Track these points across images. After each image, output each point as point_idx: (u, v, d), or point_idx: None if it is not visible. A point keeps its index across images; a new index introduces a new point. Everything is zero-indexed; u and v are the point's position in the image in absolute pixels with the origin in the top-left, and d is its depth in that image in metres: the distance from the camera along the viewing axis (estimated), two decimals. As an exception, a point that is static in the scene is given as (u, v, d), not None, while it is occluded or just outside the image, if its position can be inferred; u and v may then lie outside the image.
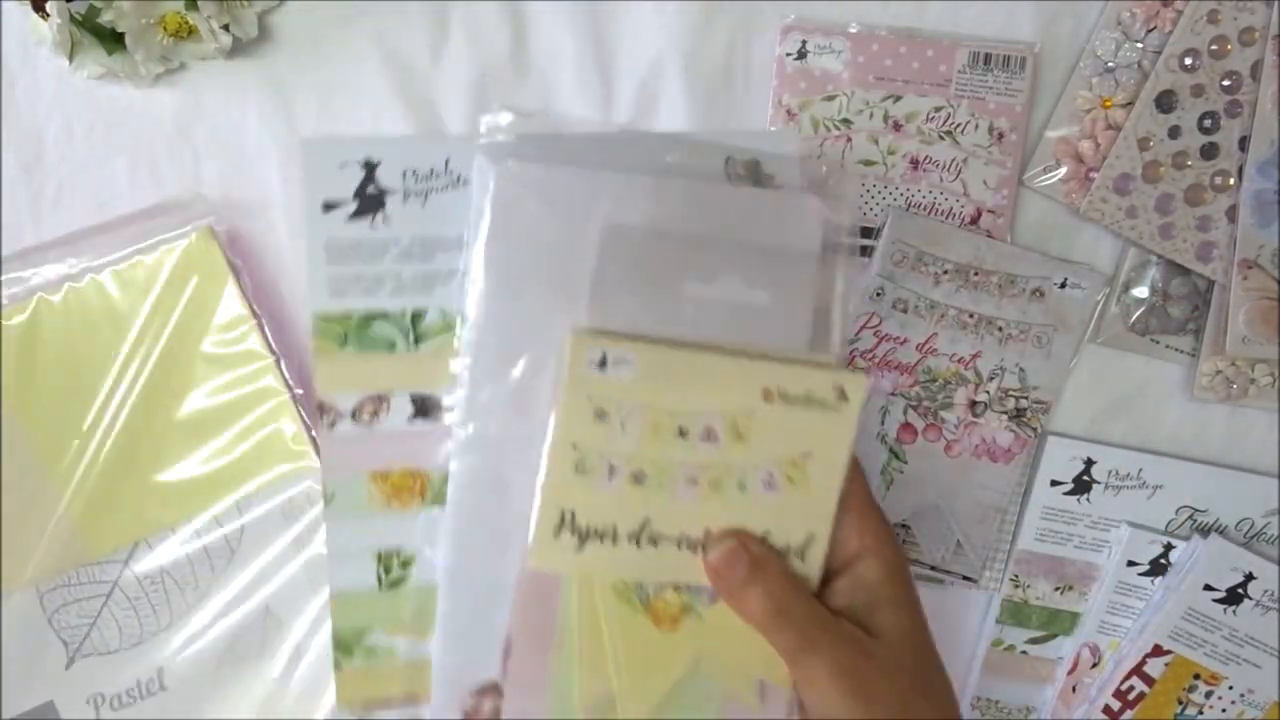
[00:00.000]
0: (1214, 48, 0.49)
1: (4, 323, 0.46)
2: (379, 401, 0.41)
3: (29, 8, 0.47)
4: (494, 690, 0.41)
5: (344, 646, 0.41)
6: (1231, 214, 0.50)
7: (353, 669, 0.41)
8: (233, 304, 0.46)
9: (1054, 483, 0.52)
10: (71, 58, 0.48)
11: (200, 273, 0.46)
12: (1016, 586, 0.53)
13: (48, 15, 0.46)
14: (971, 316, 0.50)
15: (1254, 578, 0.51)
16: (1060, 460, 0.52)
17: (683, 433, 0.39)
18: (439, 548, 0.41)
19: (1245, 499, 0.52)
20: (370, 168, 0.40)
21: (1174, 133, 0.49)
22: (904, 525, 0.52)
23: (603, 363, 0.38)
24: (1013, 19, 0.49)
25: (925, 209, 0.50)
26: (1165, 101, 0.49)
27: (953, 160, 0.49)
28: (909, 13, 0.49)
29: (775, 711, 0.40)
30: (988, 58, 0.49)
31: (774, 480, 0.40)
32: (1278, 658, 0.52)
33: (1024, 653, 0.54)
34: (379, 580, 0.41)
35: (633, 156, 0.42)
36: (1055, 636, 0.54)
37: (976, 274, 0.50)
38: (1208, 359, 0.51)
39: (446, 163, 0.40)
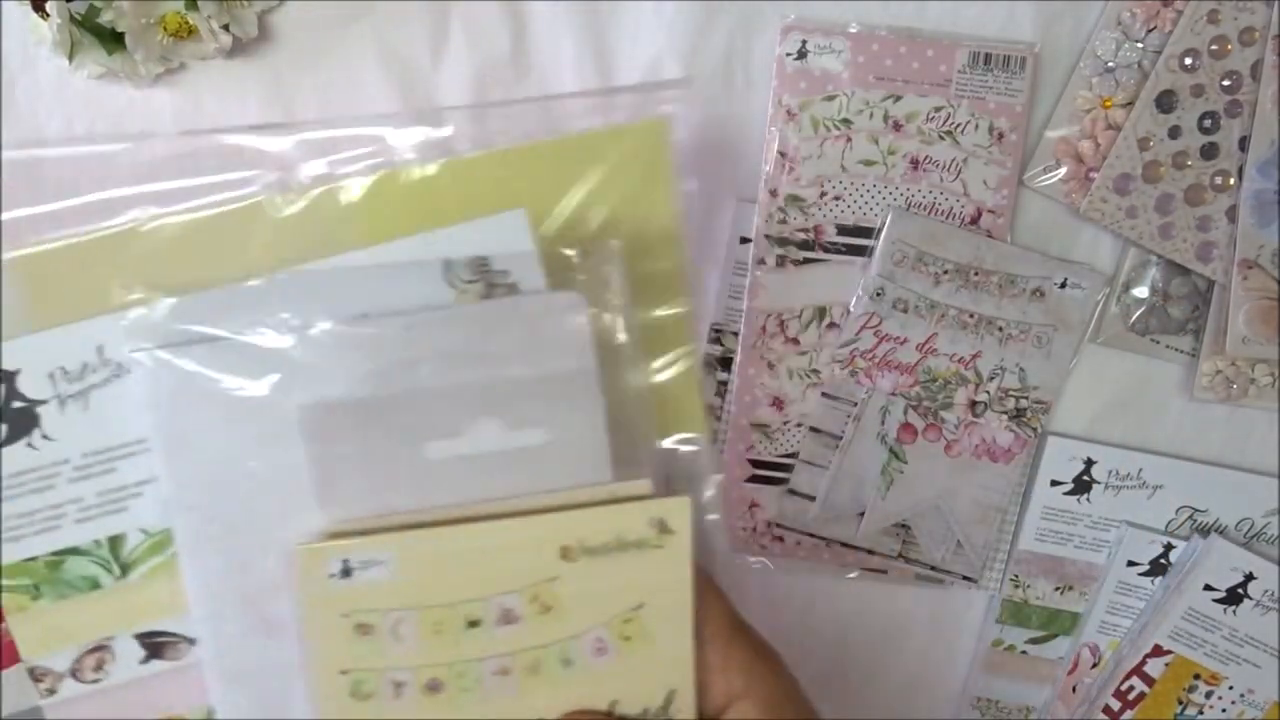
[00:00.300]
0: (1214, 48, 0.49)
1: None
2: (101, 652, 0.34)
3: (29, 8, 0.47)
4: None
5: None
6: (1231, 214, 0.50)
7: None
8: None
9: (1054, 483, 0.52)
10: (71, 58, 0.47)
11: None
12: (1016, 586, 0.53)
13: (47, 15, 0.46)
14: (971, 316, 0.50)
15: (1254, 578, 0.51)
16: (1060, 460, 0.52)
17: (474, 623, 0.33)
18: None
19: (1245, 499, 0.52)
20: (7, 378, 0.33)
21: (1174, 133, 0.49)
22: (904, 525, 0.52)
23: (346, 571, 0.32)
24: (1013, 19, 0.49)
25: (925, 209, 0.50)
26: (1165, 101, 0.49)
27: (953, 160, 0.49)
28: (909, 13, 0.49)
29: None
30: (988, 58, 0.49)
31: (605, 644, 0.34)
32: (1278, 658, 0.52)
33: (1024, 653, 0.54)
34: None
35: (326, 300, 0.33)
36: (1055, 636, 0.54)
37: (976, 274, 0.50)
38: (1208, 359, 0.51)
39: (100, 351, 0.34)
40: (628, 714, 0.35)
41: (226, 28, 0.47)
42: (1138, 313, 0.51)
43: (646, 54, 0.49)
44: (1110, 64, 0.49)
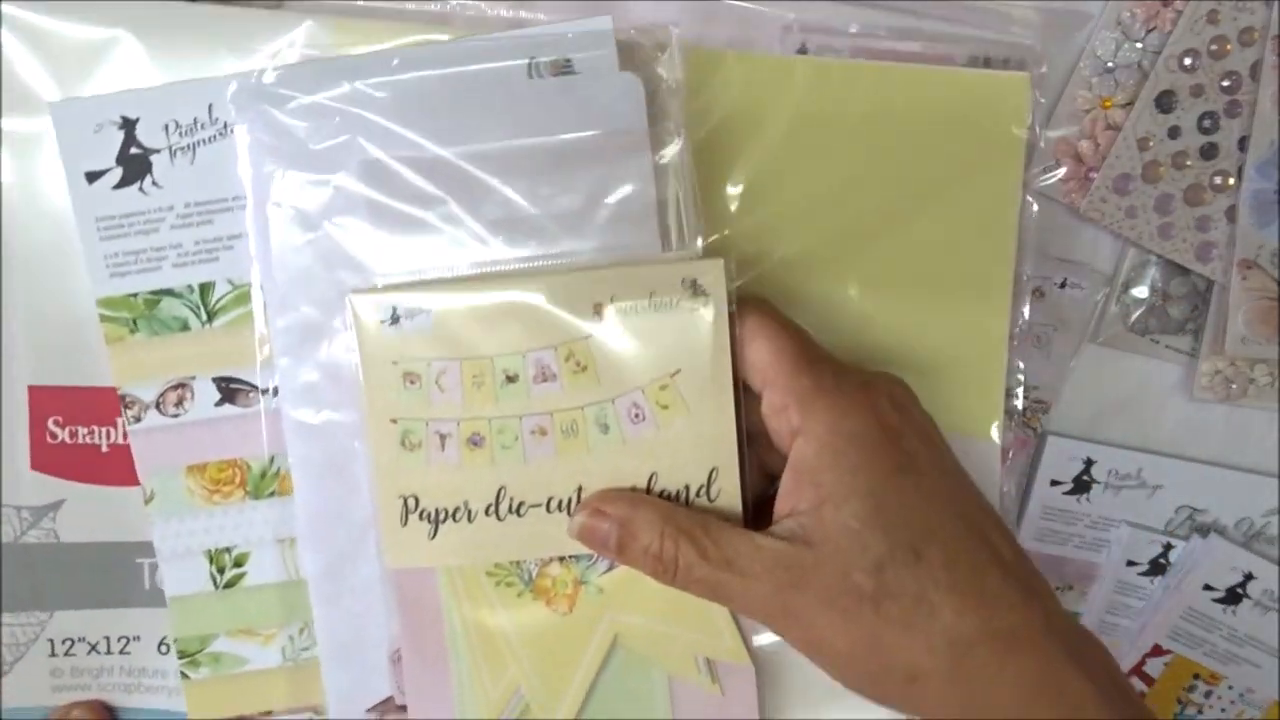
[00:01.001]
0: (1214, 48, 0.49)
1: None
2: (181, 389, 0.37)
3: (28, 8, 0.46)
4: (391, 706, 0.37)
5: (188, 656, 0.38)
6: (1231, 214, 0.50)
7: (200, 680, 0.38)
8: None
9: (1054, 482, 0.52)
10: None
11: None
12: (1016, 586, 0.53)
13: (47, 15, 0.46)
14: (971, 317, 0.50)
15: (1254, 577, 0.51)
16: (1060, 460, 0.52)
17: (511, 378, 0.33)
18: (301, 556, 0.37)
19: (1245, 499, 0.52)
20: (129, 126, 0.36)
21: (1174, 133, 0.49)
22: (904, 525, 0.52)
23: (395, 319, 0.33)
24: (1013, 19, 0.49)
25: (925, 209, 0.50)
26: (1165, 101, 0.49)
27: (953, 160, 0.49)
28: (909, 13, 0.49)
29: (739, 690, 0.35)
30: (987, 58, 0.49)
31: (642, 410, 0.33)
32: (1278, 658, 0.52)
33: (1024, 652, 0.54)
34: (214, 581, 0.38)
35: (420, 70, 0.35)
36: None
37: (976, 274, 0.50)
38: (1207, 359, 0.51)
39: (210, 109, 0.36)
40: (667, 489, 0.33)
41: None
42: (1137, 313, 0.51)
43: (646, 54, 0.49)
44: (1110, 64, 0.49)
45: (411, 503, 0.34)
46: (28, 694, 0.39)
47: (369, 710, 0.37)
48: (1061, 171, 0.50)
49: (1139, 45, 0.49)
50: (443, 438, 0.34)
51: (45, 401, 0.37)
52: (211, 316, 0.37)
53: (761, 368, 0.32)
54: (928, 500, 0.31)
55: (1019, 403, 0.51)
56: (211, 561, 0.38)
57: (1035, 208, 0.50)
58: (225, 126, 0.36)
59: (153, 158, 0.36)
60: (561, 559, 0.35)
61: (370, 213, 0.35)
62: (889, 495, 0.31)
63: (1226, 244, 0.50)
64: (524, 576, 0.35)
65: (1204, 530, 0.52)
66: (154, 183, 0.36)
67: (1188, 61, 0.49)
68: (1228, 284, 0.50)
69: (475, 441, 0.34)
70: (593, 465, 0.34)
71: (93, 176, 0.35)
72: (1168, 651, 0.52)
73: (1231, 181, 0.49)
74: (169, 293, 0.36)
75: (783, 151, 0.38)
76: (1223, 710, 0.53)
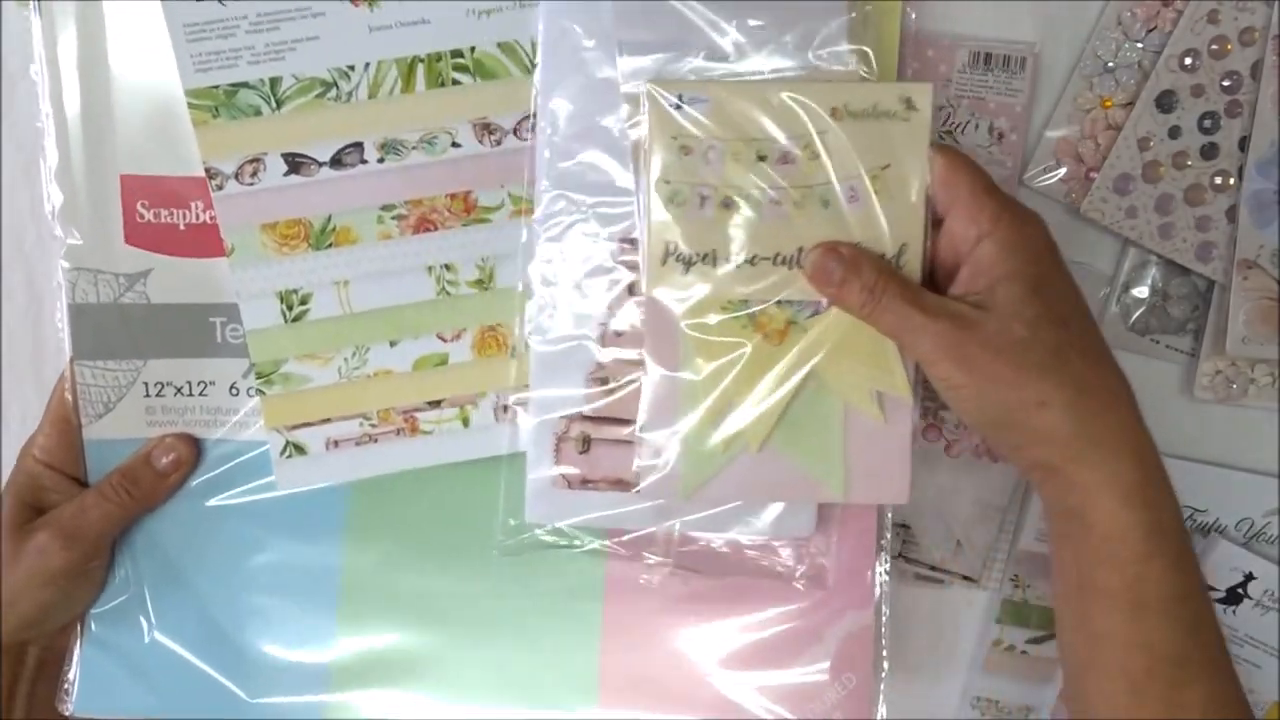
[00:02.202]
0: (1214, 48, 0.49)
1: None
2: (256, 163, 0.44)
3: (29, 8, 0.47)
4: (579, 418, 0.46)
5: (264, 377, 0.46)
6: (1231, 214, 0.50)
7: (274, 395, 0.46)
8: None
9: (1054, 483, 0.52)
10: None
11: None
12: (1016, 586, 0.53)
13: (48, 15, 0.46)
14: (971, 316, 0.50)
15: (1254, 578, 0.51)
16: (1060, 460, 0.52)
17: (761, 157, 0.43)
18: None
19: (1245, 499, 0.52)
20: None
21: (1174, 133, 0.49)
22: (904, 525, 0.52)
23: (678, 104, 0.43)
24: (1013, 19, 0.49)
25: (925, 209, 0.50)
26: (1165, 101, 0.49)
27: (953, 160, 0.49)
28: (908, 13, 0.49)
29: (899, 421, 0.44)
30: (988, 58, 0.49)
31: (857, 193, 0.42)
32: (1278, 658, 0.52)
33: (1024, 653, 0.54)
34: (284, 316, 0.46)
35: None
36: (1055, 636, 0.54)
37: (976, 274, 0.50)
38: (1208, 359, 0.51)
39: None
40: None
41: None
42: (1138, 313, 0.51)
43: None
44: (1110, 64, 0.49)
45: (672, 247, 0.43)
46: (128, 427, 0.47)
47: (561, 418, 0.46)
48: (1062, 171, 0.50)
49: (1139, 45, 0.49)
50: (702, 198, 0.43)
51: (134, 188, 0.45)
52: (280, 104, 0.44)
53: (956, 186, 0.41)
54: (1075, 293, 0.41)
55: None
56: (281, 300, 0.46)
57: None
58: None
59: None
60: (779, 302, 0.43)
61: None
62: (1050, 282, 0.40)
63: (1227, 244, 0.50)
64: (748, 312, 0.44)
65: (1205, 530, 0.52)
66: None
67: (1188, 61, 0.49)
68: (1228, 284, 0.50)
69: (726, 204, 0.43)
70: (814, 231, 0.43)
71: None
72: (1168, 652, 0.52)
73: (1232, 181, 0.49)
74: (244, 85, 0.44)
75: None
76: (1223, 710, 0.52)
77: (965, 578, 0.52)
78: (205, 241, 0.46)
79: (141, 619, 0.48)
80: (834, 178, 0.42)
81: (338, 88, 0.44)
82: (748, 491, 0.45)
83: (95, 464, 0.47)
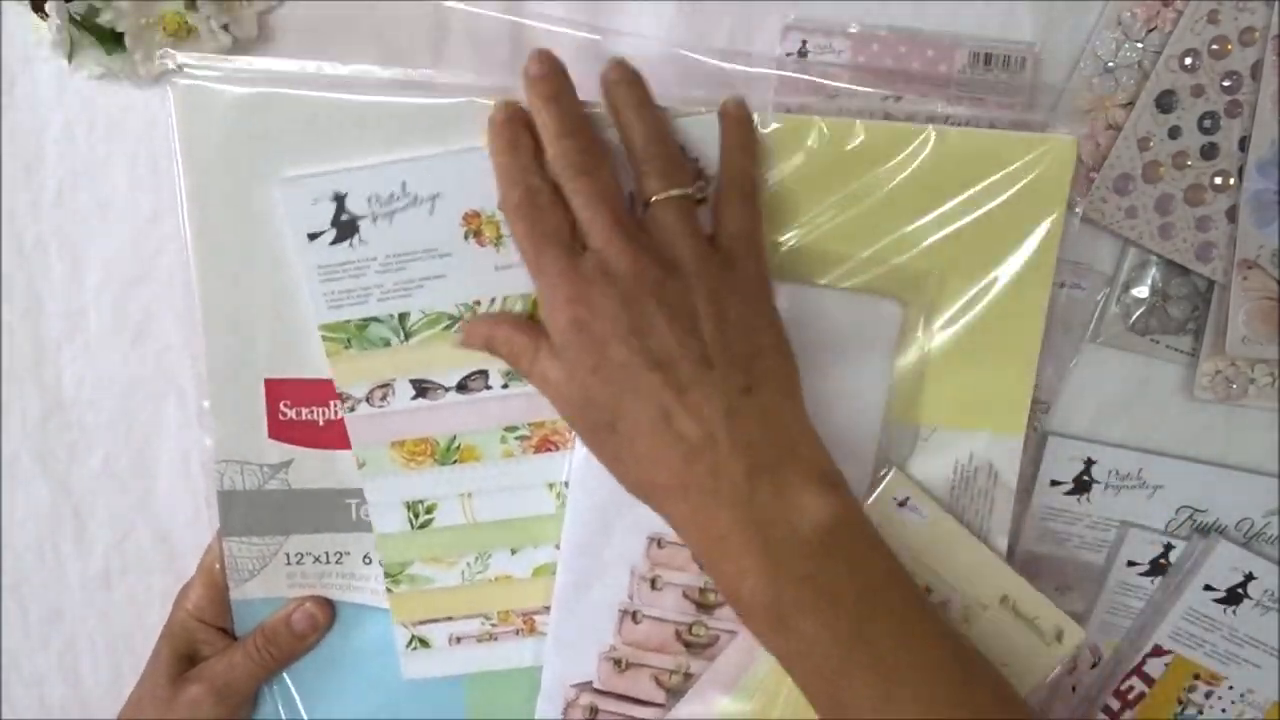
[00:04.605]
0: (1214, 48, 0.49)
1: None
2: (385, 388, 0.48)
3: (28, 7, 0.47)
4: (589, 689, 0.49)
5: (392, 576, 0.50)
6: (1231, 214, 0.50)
7: (400, 593, 0.50)
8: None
9: (1054, 483, 0.52)
10: (71, 58, 0.48)
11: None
12: (1016, 586, 0.53)
13: (47, 15, 0.46)
14: (971, 316, 0.50)
15: (1254, 578, 0.51)
16: (1060, 460, 0.52)
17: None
18: (559, 571, 0.49)
19: (1245, 499, 0.52)
20: (339, 199, 0.45)
21: (1174, 133, 0.49)
22: (904, 525, 0.52)
23: (904, 503, 0.46)
24: (1013, 19, 0.49)
25: (925, 209, 0.50)
26: (1165, 101, 0.49)
27: (953, 160, 0.49)
28: (909, 13, 0.49)
29: None
30: (988, 58, 0.49)
31: None
32: (1278, 658, 0.52)
33: (1024, 653, 0.54)
34: (410, 523, 0.49)
35: None
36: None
37: (976, 274, 0.50)
38: (1208, 359, 0.51)
39: (404, 185, 0.45)
40: None
41: (226, 28, 0.47)
42: (1138, 313, 0.51)
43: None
44: (1110, 64, 0.49)
45: None
46: (271, 589, 0.51)
47: (573, 685, 0.49)
48: (1062, 171, 0.50)
49: (1139, 45, 0.49)
50: None
51: (278, 390, 0.48)
52: (409, 336, 0.47)
53: None
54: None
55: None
56: (408, 509, 0.49)
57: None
58: (415, 198, 0.45)
59: (359, 221, 0.45)
60: None
61: None
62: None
63: (1227, 244, 0.50)
64: None
65: (1205, 530, 0.52)
66: (360, 240, 0.45)
67: (1188, 61, 0.49)
68: (1228, 284, 0.50)
69: None
70: None
71: (313, 236, 0.46)
72: (1168, 652, 0.52)
73: (1232, 181, 0.49)
74: (375, 319, 0.47)
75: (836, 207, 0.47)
76: (1223, 711, 0.52)
77: (965, 578, 0.52)
78: (342, 436, 0.49)
79: None
80: None
81: (464, 321, 0.46)
82: None
83: (242, 619, 0.51)
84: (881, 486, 0.46)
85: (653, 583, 0.48)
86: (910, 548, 0.45)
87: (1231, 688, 0.52)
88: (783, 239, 0.46)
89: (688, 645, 0.48)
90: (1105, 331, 0.51)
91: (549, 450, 0.48)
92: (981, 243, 0.46)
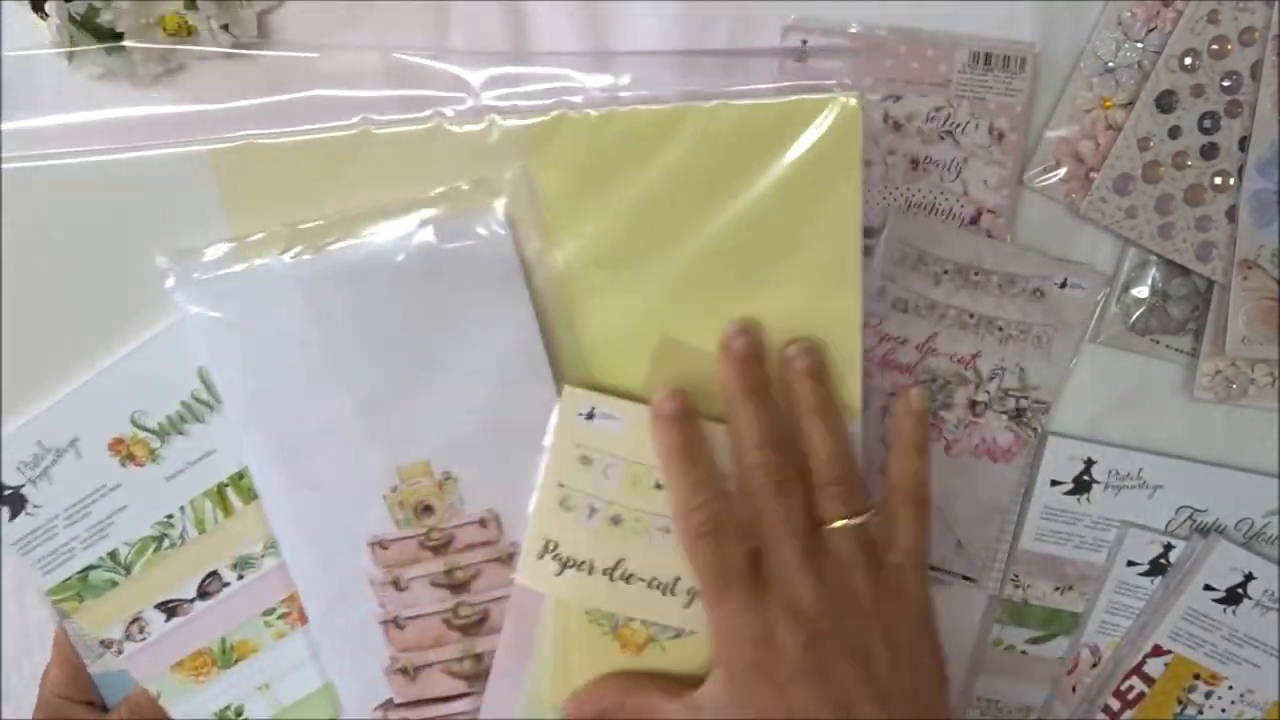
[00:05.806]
0: (1214, 48, 0.49)
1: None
2: (137, 621, 0.49)
3: (29, 7, 0.47)
4: (390, 705, 0.48)
5: None
6: (1231, 214, 0.50)
7: None
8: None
9: (1054, 482, 0.52)
10: (71, 58, 0.48)
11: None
12: (1016, 586, 0.53)
13: (47, 15, 0.46)
14: (971, 316, 0.50)
15: (1254, 578, 0.51)
16: (1060, 460, 0.52)
17: (659, 487, 0.43)
18: (305, 608, 0.48)
19: (1245, 499, 0.52)
20: None
21: (1174, 133, 0.49)
22: (904, 525, 0.52)
23: (590, 415, 0.43)
24: (1013, 19, 0.49)
25: (925, 209, 0.50)
26: (1165, 101, 0.49)
27: (953, 160, 0.49)
28: (909, 13, 0.49)
29: None
30: (988, 58, 0.49)
31: None
32: (1278, 658, 0.52)
33: (1024, 653, 0.54)
34: None
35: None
36: (1055, 636, 0.54)
37: (976, 274, 0.50)
38: (1208, 359, 0.51)
39: (39, 443, 0.46)
40: None
41: (226, 28, 0.47)
42: (1138, 313, 0.51)
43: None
44: (1110, 64, 0.49)
45: (551, 546, 0.44)
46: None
47: (375, 709, 0.48)
48: (1062, 171, 0.50)
49: (1139, 45, 0.49)
50: (592, 509, 0.44)
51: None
52: (128, 570, 0.48)
53: None
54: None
55: (1019, 403, 0.51)
56: (219, 717, 0.50)
57: (1034, 208, 0.50)
58: (56, 451, 0.46)
59: (22, 491, 0.47)
60: (645, 621, 0.45)
61: None
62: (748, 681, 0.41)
63: (1227, 244, 0.50)
64: (612, 622, 0.45)
65: (1205, 530, 0.52)
66: (35, 506, 0.47)
67: (1188, 61, 0.49)
68: (1228, 284, 0.50)
69: (615, 520, 0.44)
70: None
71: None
72: (1168, 652, 0.52)
73: (1232, 181, 0.49)
74: (91, 567, 0.48)
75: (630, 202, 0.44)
76: (1223, 711, 0.53)
77: (965, 578, 0.52)
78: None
79: None
80: None
81: (168, 537, 0.48)
82: None
83: (109, 689, 0.51)
84: (562, 405, 0.44)
85: (395, 584, 0.47)
86: (622, 456, 0.44)
87: (1231, 688, 0.52)
88: (566, 248, 0.44)
89: (462, 629, 0.47)
90: (1105, 331, 0.51)
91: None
92: (776, 219, 0.43)
